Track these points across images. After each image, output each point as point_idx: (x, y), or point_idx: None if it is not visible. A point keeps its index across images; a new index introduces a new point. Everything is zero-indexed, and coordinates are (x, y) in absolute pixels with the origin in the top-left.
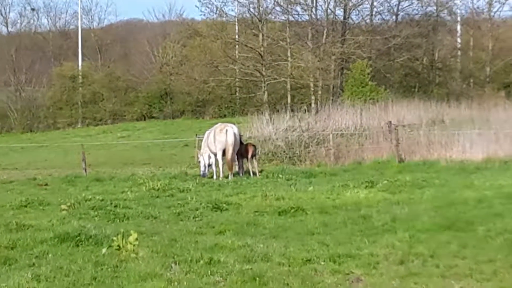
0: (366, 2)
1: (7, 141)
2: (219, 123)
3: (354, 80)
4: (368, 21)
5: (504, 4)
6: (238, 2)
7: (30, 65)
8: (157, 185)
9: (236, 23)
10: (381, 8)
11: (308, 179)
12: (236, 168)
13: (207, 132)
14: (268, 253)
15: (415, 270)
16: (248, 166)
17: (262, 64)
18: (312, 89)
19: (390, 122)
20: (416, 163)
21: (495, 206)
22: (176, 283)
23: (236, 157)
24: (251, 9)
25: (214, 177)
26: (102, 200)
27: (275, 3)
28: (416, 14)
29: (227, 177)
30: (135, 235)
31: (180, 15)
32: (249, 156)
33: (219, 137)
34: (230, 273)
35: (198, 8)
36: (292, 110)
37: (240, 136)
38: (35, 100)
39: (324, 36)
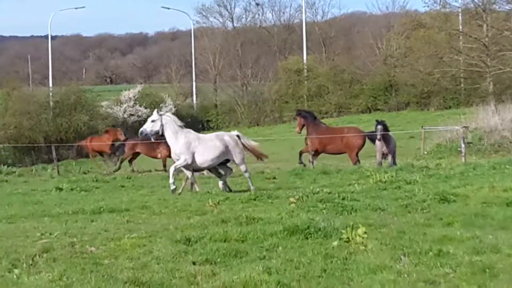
0: None
1: None
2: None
3: None
4: None
5: None
6: None
7: (255, 59)
8: (384, 177)
9: (460, 14)
10: None
11: None
12: None
13: None
14: (497, 244)
15: None
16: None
17: (487, 54)
18: None
19: None
20: None
21: None
22: (405, 275)
23: None
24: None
25: None
26: (330, 192)
27: None
28: None
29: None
30: (363, 228)
31: (404, 7)
32: None
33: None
34: (460, 264)
35: None
36: None
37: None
38: (261, 94)
39: None
